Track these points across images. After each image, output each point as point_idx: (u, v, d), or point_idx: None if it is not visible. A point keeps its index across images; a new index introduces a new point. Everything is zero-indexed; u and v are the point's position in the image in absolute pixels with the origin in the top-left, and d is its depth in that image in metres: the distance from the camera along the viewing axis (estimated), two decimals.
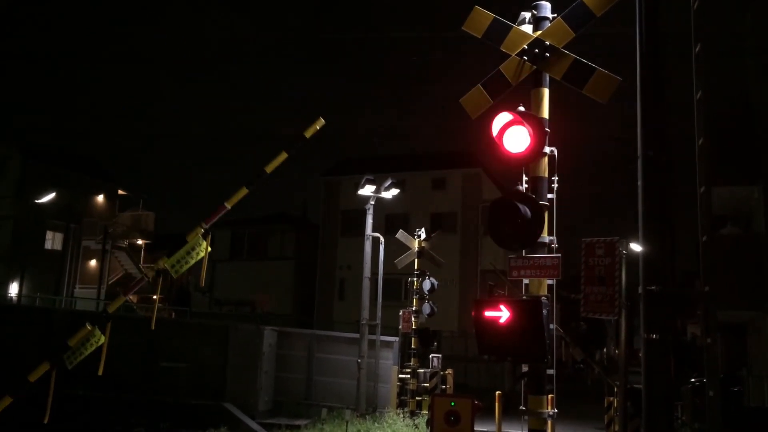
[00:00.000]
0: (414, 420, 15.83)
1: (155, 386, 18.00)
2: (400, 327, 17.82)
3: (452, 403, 5.00)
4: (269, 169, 7.66)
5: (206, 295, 39.08)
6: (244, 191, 7.73)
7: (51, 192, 32.33)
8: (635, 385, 10.88)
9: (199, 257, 6.34)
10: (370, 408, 17.40)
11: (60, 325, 19.47)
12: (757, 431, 12.56)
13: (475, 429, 5.72)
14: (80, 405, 17.08)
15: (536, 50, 5.84)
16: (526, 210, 5.47)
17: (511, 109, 5.74)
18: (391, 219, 30.14)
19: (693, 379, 20.58)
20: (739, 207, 17.34)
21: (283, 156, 7.50)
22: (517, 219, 5.46)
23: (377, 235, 18.31)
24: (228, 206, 7.25)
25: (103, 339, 6.64)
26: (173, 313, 35.44)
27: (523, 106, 5.83)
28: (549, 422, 5.85)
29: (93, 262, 39.54)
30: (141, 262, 43.19)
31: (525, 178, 5.94)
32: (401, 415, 16.23)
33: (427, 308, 16.86)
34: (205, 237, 6.41)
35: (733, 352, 19.67)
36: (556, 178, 6.01)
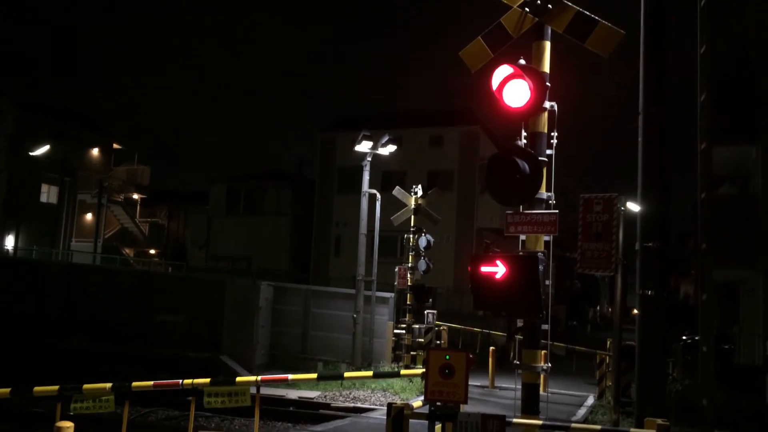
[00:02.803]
0: None
1: (152, 339, 18.15)
2: (395, 283, 17.91)
3: (447, 357, 5.02)
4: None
5: (202, 250, 39.17)
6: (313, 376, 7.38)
7: (45, 145, 32.09)
8: (628, 342, 10.99)
9: (238, 404, 5.98)
10: (366, 362, 17.61)
11: (56, 277, 19.53)
12: (746, 388, 12.77)
13: (469, 383, 5.76)
14: (77, 357, 17.26)
15: (538, 1, 5.71)
16: (525, 165, 5.42)
17: (512, 62, 5.63)
18: (387, 176, 30.06)
19: (684, 337, 20.82)
20: (736, 167, 17.30)
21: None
22: (516, 174, 5.41)
23: (374, 191, 18.26)
24: (290, 379, 6.90)
25: (113, 407, 6.22)
26: (170, 268, 35.57)
27: (524, 59, 5.73)
28: (542, 376, 5.91)
29: (89, 216, 39.49)
30: (137, 217, 43.17)
31: (524, 134, 5.88)
32: (396, 369, 16.43)
33: (422, 265, 16.90)
34: (254, 394, 6.10)
35: (725, 310, 19.86)
36: (555, 134, 5.95)
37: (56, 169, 34.70)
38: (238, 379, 6.08)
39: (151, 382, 6.49)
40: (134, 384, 6.29)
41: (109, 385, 6.18)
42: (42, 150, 32.22)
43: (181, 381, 6.33)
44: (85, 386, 6.18)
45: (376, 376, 11.10)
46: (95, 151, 40.32)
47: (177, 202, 46.93)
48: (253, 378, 6.09)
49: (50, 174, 35.40)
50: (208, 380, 6.12)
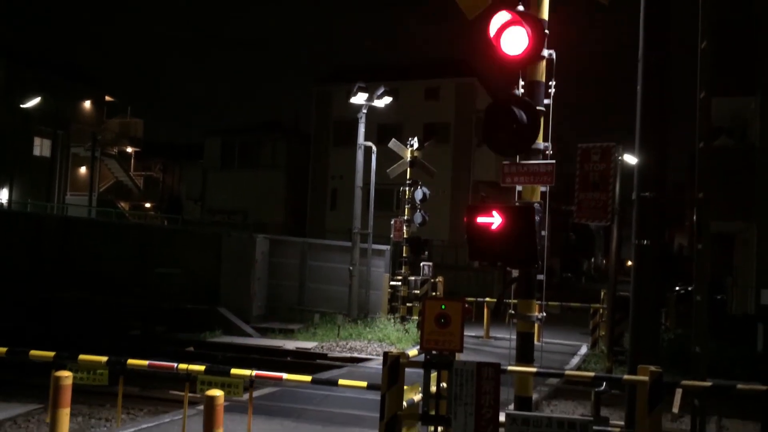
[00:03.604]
0: (404, 325, 16.21)
1: (150, 292, 18.26)
2: (391, 236, 17.96)
3: (443, 306, 5.04)
4: None
5: (198, 204, 39.10)
6: None
7: (36, 97, 31.66)
8: (622, 293, 11.08)
9: (231, 395, 5.97)
10: (362, 314, 17.77)
11: (52, 230, 19.52)
12: (738, 338, 12.95)
13: (465, 333, 5.80)
14: (77, 308, 17.38)
15: None
16: (521, 115, 5.34)
17: (510, 8, 5.50)
18: (383, 129, 29.77)
19: (677, 287, 21.02)
20: (734, 118, 17.21)
21: None
22: (513, 124, 5.34)
23: (369, 144, 18.15)
24: (284, 378, 6.74)
25: (106, 381, 6.22)
26: (165, 221, 35.56)
27: (523, 6, 5.61)
28: (536, 326, 5.95)
29: (83, 170, 39.27)
30: (131, 170, 42.96)
31: (521, 83, 5.79)
32: (392, 321, 16.61)
33: (418, 217, 16.93)
34: (246, 388, 6.08)
35: (719, 261, 20.02)
36: (554, 83, 5.86)
37: (48, 122, 34.32)
38: (233, 371, 6.14)
39: (147, 362, 6.54)
40: (129, 361, 6.34)
41: (104, 359, 6.22)
42: (33, 102, 31.80)
43: (175, 365, 6.45)
44: (81, 357, 6.21)
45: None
46: (87, 104, 39.81)
47: (172, 155, 46.63)
48: (248, 372, 6.18)
49: (42, 127, 35.01)
50: (203, 367, 6.21)
